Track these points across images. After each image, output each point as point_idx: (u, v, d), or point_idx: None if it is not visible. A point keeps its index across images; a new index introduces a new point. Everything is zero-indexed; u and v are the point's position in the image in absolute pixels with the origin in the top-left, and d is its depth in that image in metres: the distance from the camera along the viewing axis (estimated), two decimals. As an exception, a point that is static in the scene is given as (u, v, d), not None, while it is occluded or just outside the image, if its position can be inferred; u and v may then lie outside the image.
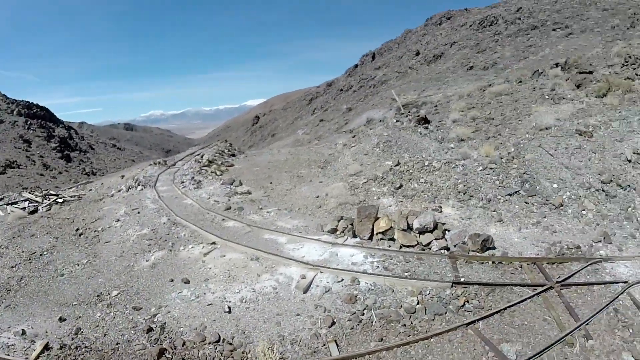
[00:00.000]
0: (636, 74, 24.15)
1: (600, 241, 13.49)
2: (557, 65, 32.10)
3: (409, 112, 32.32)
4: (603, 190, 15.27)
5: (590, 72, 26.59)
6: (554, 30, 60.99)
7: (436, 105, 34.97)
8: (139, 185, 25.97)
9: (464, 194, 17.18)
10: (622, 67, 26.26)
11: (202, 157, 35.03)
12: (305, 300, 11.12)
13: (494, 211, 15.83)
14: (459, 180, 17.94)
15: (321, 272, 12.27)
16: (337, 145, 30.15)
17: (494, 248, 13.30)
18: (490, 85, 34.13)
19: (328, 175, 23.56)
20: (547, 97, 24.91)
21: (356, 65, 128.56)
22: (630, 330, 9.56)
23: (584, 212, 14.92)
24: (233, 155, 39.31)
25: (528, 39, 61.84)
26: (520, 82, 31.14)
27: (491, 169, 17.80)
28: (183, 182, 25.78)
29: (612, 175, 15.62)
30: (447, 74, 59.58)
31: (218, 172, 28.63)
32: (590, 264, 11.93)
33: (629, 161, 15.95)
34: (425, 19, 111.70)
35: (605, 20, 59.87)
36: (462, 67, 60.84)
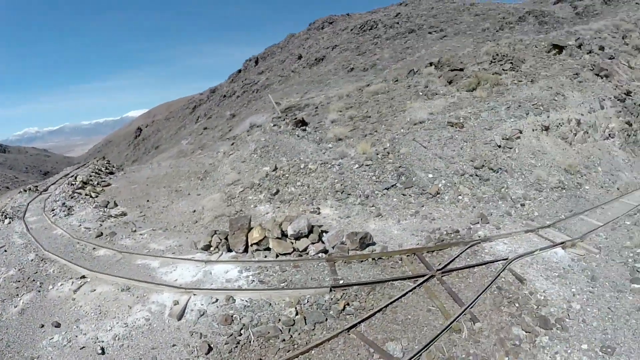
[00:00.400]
0: (503, 69, 26.78)
1: (478, 222, 14.29)
2: (431, 64, 34.28)
3: (286, 115, 32.33)
4: (477, 175, 16.34)
5: (461, 69, 28.85)
6: (429, 33, 67.15)
7: (317, 107, 35.51)
8: (6, 218, 22.83)
9: (342, 192, 17.30)
10: (490, 64, 28.83)
11: (75, 178, 31.83)
12: (180, 328, 10.39)
13: (373, 206, 16.10)
14: (336, 180, 18.07)
15: (194, 294, 11.56)
16: (218, 154, 29.25)
17: (373, 244, 13.34)
18: (368, 85, 35.58)
19: (207, 187, 22.63)
20: (421, 93, 26.44)
21: (239, 71, 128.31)
22: (517, 305, 10.09)
23: (460, 197, 15.79)
24: (111, 173, 36.35)
25: (406, 41, 67.04)
26: (397, 80, 32.82)
27: (367, 165, 18.22)
28: (54, 210, 23.08)
29: (484, 160, 16.80)
30: (329, 76, 61.68)
31: (93, 194, 26.14)
32: (469, 247, 12.49)
33: (499, 146, 17.33)
34: (308, 23, 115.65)
35: (477, 24, 67.49)
36: (343, 69, 63.46)
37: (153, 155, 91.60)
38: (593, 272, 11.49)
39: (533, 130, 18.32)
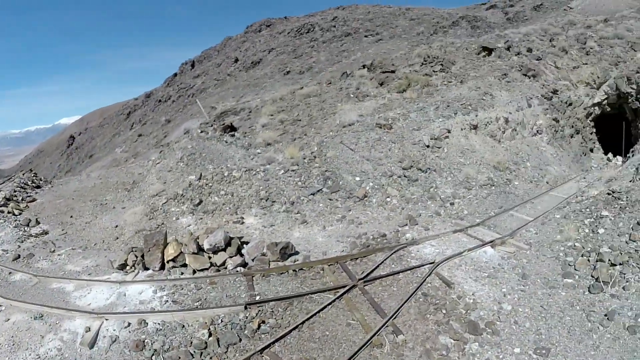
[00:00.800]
0: (433, 71, 26.80)
1: (406, 225, 13.71)
2: (364, 66, 34.08)
3: (219, 120, 31.20)
4: (405, 176, 15.82)
5: (393, 71, 28.69)
6: (365, 36, 67.75)
7: (250, 111, 34.58)
8: None
9: (267, 200, 16.41)
10: (421, 66, 28.85)
11: (-3, 195, 28.98)
12: (92, 357, 9.44)
13: (298, 213, 15.28)
14: (261, 187, 17.17)
15: (107, 319, 10.52)
16: (148, 163, 27.61)
17: (296, 254, 12.50)
18: (301, 88, 34.89)
19: (133, 199, 21.05)
20: (352, 95, 25.96)
21: (175, 74, 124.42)
22: (444, 311, 9.46)
23: (388, 199, 15.21)
24: (38, 187, 33.50)
25: (342, 44, 67.27)
26: (330, 83, 32.30)
27: (293, 170, 17.40)
28: (-28, 232, 20.71)
29: (412, 161, 16.32)
30: (265, 79, 60.88)
31: (16, 211, 23.71)
32: (395, 252, 11.81)
33: (428, 146, 16.93)
34: (246, 26, 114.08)
35: (412, 28, 68.78)
36: (279, 72, 62.82)
37: (87, 165, 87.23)
38: (524, 270, 11.07)
39: (462, 129, 18.11)
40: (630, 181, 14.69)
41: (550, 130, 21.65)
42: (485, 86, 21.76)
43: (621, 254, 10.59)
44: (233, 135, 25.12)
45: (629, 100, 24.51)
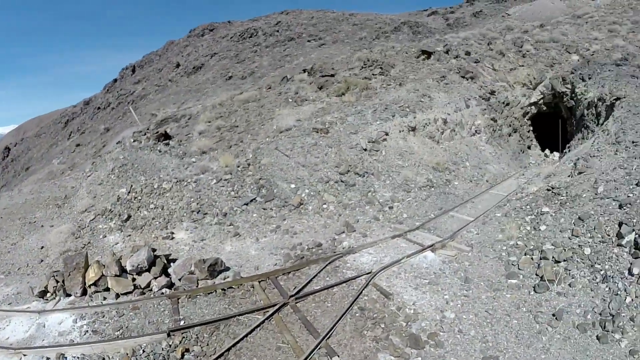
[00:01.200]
0: (373, 74, 26.42)
1: (344, 232, 13.01)
2: (304, 70, 33.49)
3: (154, 129, 29.64)
4: (342, 181, 15.13)
5: (332, 75, 28.14)
6: (308, 41, 67.20)
7: (189, 118, 33.22)
8: None
9: (198, 212, 15.30)
10: (361, 69, 28.46)
11: None
12: None
13: (230, 225, 14.28)
14: (192, 199, 16.04)
15: (25, 355, 9.47)
16: (83, 175, 25.69)
17: (227, 270, 11.50)
18: (241, 93, 33.85)
19: (63, 216, 19.27)
20: (290, 100, 25.17)
21: (115, 80, 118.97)
22: (382, 325, 8.75)
23: (325, 206, 14.48)
24: None
25: (285, 49, 66.41)
26: (270, 88, 31.48)
27: (226, 180, 16.36)
28: None
29: (349, 165, 15.65)
30: (207, 85, 59.27)
31: None
32: (329, 263, 11.03)
33: (365, 150, 16.33)
34: (189, 30, 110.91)
35: (355, 33, 68.91)
36: (221, 77, 61.35)
37: (22, 179, 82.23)
38: (466, 273, 10.57)
39: (400, 131, 17.64)
40: (569, 176, 14.54)
41: (489, 129, 21.60)
42: (424, 88, 21.49)
43: (565, 250, 10.27)
44: (167, 144, 23.79)
45: (564, 99, 24.92)
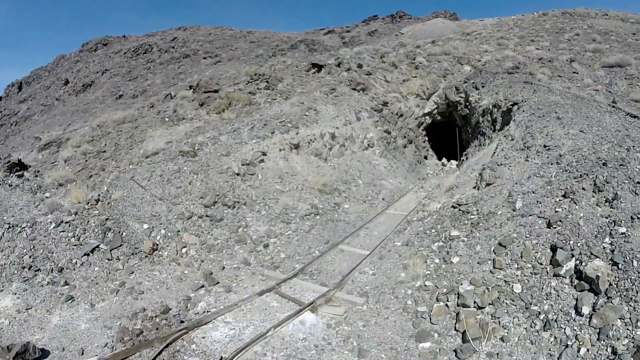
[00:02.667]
0: (257, 89, 23.48)
1: (203, 286, 9.60)
2: (190, 87, 30.22)
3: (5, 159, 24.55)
4: (207, 216, 11.70)
5: (216, 91, 24.87)
6: (204, 58, 63.03)
7: (60, 142, 28.25)
8: None
9: (30, 268, 11.13)
10: (247, 84, 25.51)
11: None
12: None
13: (65, 285, 10.31)
14: (26, 250, 11.78)
15: None
16: None
17: (43, 356, 7.75)
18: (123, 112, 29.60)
19: None
20: (167, 119, 21.48)
21: (0, 98, 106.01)
22: None
23: (184, 249, 10.95)
24: None
25: (179, 66, 61.78)
26: (152, 106, 27.70)
27: (67, 222, 12.28)
28: None
29: (216, 195, 12.25)
30: (96, 104, 53.29)
31: None
32: (167, 345, 7.43)
33: (237, 174, 13.05)
34: (81, 44, 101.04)
35: (252, 51, 65.71)
36: (111, 95, 55.64)
37: None
38: (360, 341, 7.58)
39: (280, 150, 14.56)
40: (475, 188, 12.30)
41: (382, 142, 19.28)
42: (310, 101, 18.69)
43: (488, 290, 7.73)
44: (21, 176, 19.05)
45: (459, 108, 23.42)
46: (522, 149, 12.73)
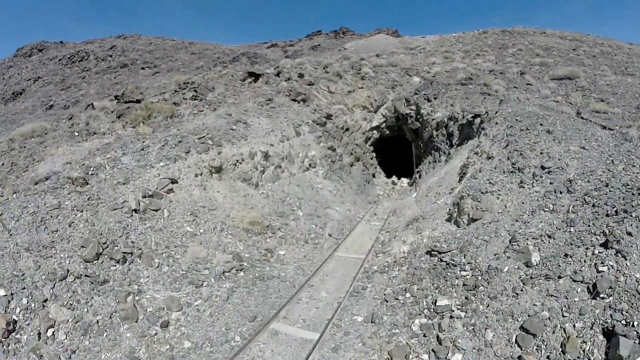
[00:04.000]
0: (184, 98, 19.87)
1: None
2: (115, 97, 26.13)
3: None
4: (87, 276, 7.89)
5: (138, 101, 21.03)
6: (142, 69, 58.11)
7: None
8: None
9: None
10: (173, 93, 21.86)
11: None
12: None
13: None
14: None
15: None
16: None
17: None
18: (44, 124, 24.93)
19: None
20: (77, 133, 17.35)
21: None
22: None
23: (50, 330, 7.04)
24: None
25: (116, 76, 56.60)
26: (71, 118, 23.40)
27: None
28: None
29: (102, 243, 8.42)
30: (25, 114, 47.40)
31: None
32: None
33: (135, 211, 9.26)
34: (17, 48, 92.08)
35: (192, 62, 61.35)
36: (42, 106, 49.79)
37: None
38: None
39: (196, 175, 10.90)
40: (451, 222, 9.31)
41: (326, 161, 16.08)
42: (239, 113, 15.11)
43: None
44: None
45: (409, 121, 20.64)
46: (512, 171, 9.86)
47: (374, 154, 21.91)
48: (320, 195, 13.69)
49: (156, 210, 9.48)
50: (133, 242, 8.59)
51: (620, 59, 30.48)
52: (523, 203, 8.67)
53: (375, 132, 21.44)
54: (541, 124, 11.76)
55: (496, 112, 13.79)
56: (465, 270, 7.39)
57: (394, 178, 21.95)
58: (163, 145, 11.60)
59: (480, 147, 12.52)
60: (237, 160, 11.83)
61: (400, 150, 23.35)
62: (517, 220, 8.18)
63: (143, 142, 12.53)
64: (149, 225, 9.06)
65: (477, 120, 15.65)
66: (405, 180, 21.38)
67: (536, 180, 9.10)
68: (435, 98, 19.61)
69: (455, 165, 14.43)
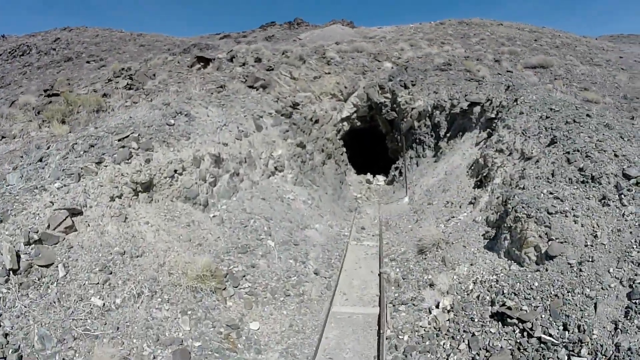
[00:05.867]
0: (116, 88, 15.37)
1: None
2: (45, 91, 21.06)
3: None
4: None
5: (57, 94, 16.53)
6: (88, 62, 51.47)
7: None
8: None
9: None
10: (107, 83, 17.35)
11: None
12: None
13: None
14: None
15: None
16: None
17: None
18: None
19: None
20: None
21: None
22: None
23: None
24: None
25: (59, 71, 49.64)
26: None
27: None
28: None
29: None
30: None
31: None
32: None
33: (13, 273, 4.87)
34: None
35: (141, 54, 55.08)
36: None
37: None
38: None
39: (112, 198, 6.45)
40: (503, 255, 5.87)
41: (296, 161, 12.11)
42: (181, 102, 10.67)
43: None
44: None
45: (383, 110, 16.92)
46: (584, 181, 6.29)
47: (344, 149, 18.08)
48: (294, 210, 9.75)
49: (47, 266, 5.26)
50: (6, 338, 4.38)
51: (582, 50, 28.22)
52: (620, 231, 5.19)
53: (345, 123, 17.63)
54: (589, 115, 8.35)
55: (515, 100, 10.31)
56: (580, 356, 3.87)
57: (369, 176, 18.27)
58: (67, 153, 7.26)
59: (504, 143, 9.02)
60: (176, 171, 7.68)
61: (372, 143, 19.72)
62: (623, 260, 4.74)
63: (47, 150, 8.08)
64: (32, 298, 4.83)
65: (476, 109, 12.22)
66: (381, 179, 17.75)
67: (624, 196, 5.64)
68: (413, 85, 16.05)
69: (458, 163, 10.94)
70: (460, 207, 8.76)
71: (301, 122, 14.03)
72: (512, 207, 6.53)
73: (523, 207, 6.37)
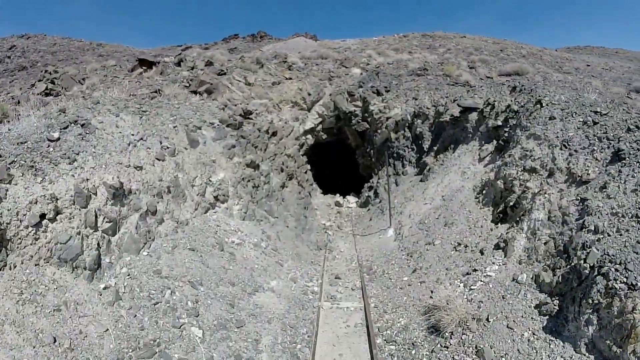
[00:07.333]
0: (32, 93, 12.01)
1: None
2: None
3: None
4: None
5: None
6: (41, 72, 47.17)
7: None
8: None
9: None
10: (29, 88, 14.31)
11: None
12: None
13: None
14: None
15: None
16: None
17: None
18: None
19: None
20: None
21: None
22: None
23: None
24: None
25: (12, 81, 45.02)
26: None
27: None
28: None
29: None
30: None
31: None
32: None
33: None
34: None
35: (102, 63, 51.50)
36: None
37: None
38: None
39: None
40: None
41: (246, 187, 8.99)
42: (83, 108, 7.17)
43: None
44: None
45: (353, 121, 14.07)
46: None
47: (308, 166, 15.04)
48: (239, 263, 6.62)
49: None
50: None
51: (548, 59, 26.75)
52: None
53: (309, 136, 14.65)
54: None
55: (539, 102, 7.68)
56: None
57: (338, 197, 15.29)
58: None
59: (535, 159, 6.32)
60: (44, 215, 4.45)
61: (340, 159, 16.88)
62: None
63: None
64: None
65: (472, 115, 9.61)
66: (352, 200, 14.84)
67: None
68: (387, 91, 13.35)
69: (459, 185, 8.22)
70: (482, 253, 6.00)
71: (254, 134, 10.93)
72: (594, 267, 3.80)
73: (617, 270, 3.62)
